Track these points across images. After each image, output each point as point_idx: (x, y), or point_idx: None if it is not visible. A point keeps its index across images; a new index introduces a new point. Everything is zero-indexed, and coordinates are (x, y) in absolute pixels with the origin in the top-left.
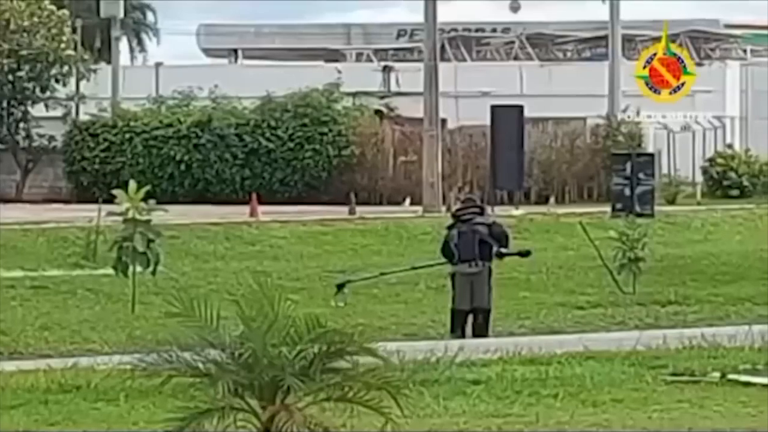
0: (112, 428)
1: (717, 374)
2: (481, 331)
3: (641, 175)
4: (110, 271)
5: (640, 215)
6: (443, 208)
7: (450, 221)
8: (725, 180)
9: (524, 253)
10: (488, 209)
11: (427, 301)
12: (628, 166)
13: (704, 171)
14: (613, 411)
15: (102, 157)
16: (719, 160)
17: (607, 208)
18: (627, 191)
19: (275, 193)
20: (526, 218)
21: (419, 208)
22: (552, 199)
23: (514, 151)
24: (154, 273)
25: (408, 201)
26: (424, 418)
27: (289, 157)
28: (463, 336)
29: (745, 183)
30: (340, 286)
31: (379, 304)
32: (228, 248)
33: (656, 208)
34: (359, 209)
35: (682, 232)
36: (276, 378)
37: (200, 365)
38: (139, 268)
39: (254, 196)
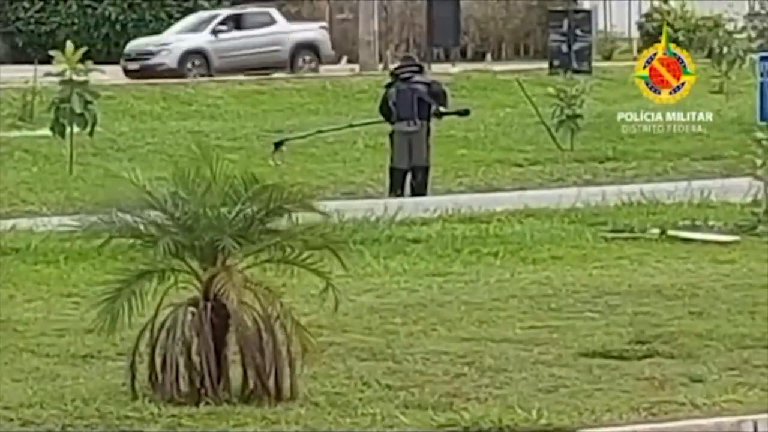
0: (52, 290)
1: (656, 230)
2: (419, 190)
3: (578, 32)
4: (47, 132)
5: (577, 72)
6: (380, 66)
7: (388, 80)
8: (661, 35)
9: (463, 112)
10: (426, 67)
11: (365, 159)
12: (565, 22)
13: (640, 26)
14: (553, 268)
15: (37, 17)
16: (655, 15)
17: (544, 65)
18: (564, 48)
19: None
20: (463, 76)
21: (356, 67)
22: (489, 56)
23: (450, 8)
24: (91, 134)
25: (344, 59)
26: (364, 277)
27: None
28: (402, 195)
29: (681, 38)
30: (278, 145)
31: (317, 163)
32: (164, 108)
33: (593, 64)
34: None
35: (618, 88)
36: (215, 239)
37: (140, 227)
38: (76, 129)
39: None
